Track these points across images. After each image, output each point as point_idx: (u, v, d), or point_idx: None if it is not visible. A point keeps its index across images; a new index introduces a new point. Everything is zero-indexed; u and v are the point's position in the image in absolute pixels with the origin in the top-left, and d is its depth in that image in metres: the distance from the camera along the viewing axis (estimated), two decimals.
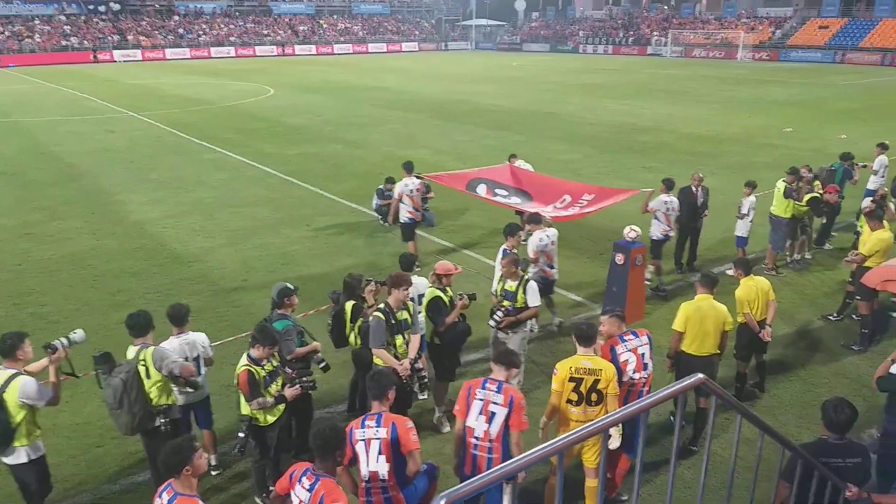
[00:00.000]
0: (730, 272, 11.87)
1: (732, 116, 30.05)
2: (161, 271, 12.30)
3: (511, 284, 7.72)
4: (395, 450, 4.91)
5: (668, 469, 4.17)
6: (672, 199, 11.45)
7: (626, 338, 6.35)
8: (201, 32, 77.20)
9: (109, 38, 71.04)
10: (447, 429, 7.47)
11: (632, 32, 78.65)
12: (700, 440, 7.12)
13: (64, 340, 5.75)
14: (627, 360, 6.24)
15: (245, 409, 6.12)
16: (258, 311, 10.14)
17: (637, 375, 6.27)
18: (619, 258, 9.80)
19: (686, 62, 64.25)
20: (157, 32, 74.90)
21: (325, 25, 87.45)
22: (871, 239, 9.39)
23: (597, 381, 5.75)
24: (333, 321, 7.42)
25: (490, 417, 5.35)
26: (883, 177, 14.20)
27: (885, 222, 9.68)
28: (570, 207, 11.38)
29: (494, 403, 5.35)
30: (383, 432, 4.91)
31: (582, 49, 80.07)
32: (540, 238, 9.52)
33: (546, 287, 9.52)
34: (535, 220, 9.78)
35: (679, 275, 11.98)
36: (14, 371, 5.57)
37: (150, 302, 10.74)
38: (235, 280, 11.91)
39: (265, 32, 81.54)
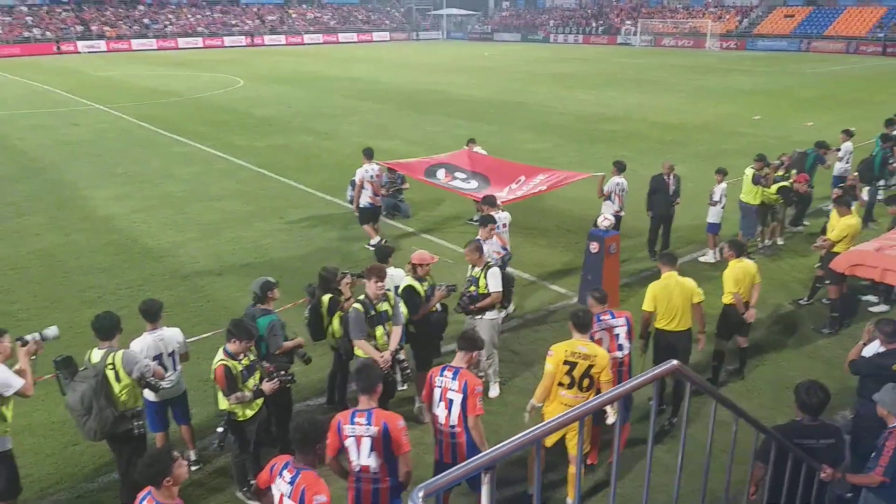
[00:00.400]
0: (702, 259, 12.14)
1: (701, 105, 30.39)
2: (132, 266, 12.10)
3: (476, 270, 7.74)
4: (386, 447, 4.89)
5: (645, 452, 4.25)
6: (623, 181, 11.83)
7: (602, 317, 6.50)
8: (168, 23, 75.76)
9: (73, 28, 69.35)
10: (427, 419, 7.49)
11: (601, 22, 79.02)
12: (678, 417, 7.23)
13: (36, 335, 5.76)
14: (601, 339, 6.39)
15: (223, 403, 6.06)
16: (233, 306, 10.06)
17: (617, 354, 6.43)
18: (594, 246, 9.87)
19: (655, 51, 64.77)
20: (121, 23, 73.24)
21: (294, 15, 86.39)
22: (839, 224, 9.58)
23: (590, 367, 5.85)
24: (310, 314, 7.38)
25: (449, 404, 5.46)
26: (847, 163, 14.49)
27: (852, 209, 9.89)
28: (523, 187, 11.77)
29: (451, 391, 5.45)
30: (374, 430, 4.86)
31: (553, 38, 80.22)
32: None
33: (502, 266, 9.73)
34: (490, 202, 9.91)
35: (653, 262, 12.10)
36: None
37: (122, 298, 10.58)
38: (209, 274, 11.77)
39: (233, 22, 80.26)
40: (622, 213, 11.90)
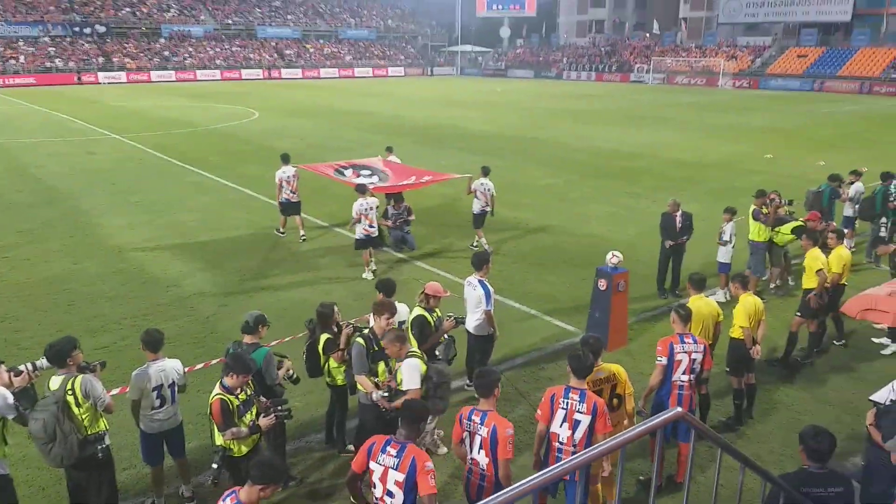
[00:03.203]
0: (713, 298, 11.93)
1: (714, 143, 30.39)
2: (138, 295, 12.10)
3: (394, 363, 6.53)
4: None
5: (647, 500, 4.14)
6: (486, 182, 14.32)
7: (685, 339, 6.73)
8: (187, 55, 77.23)
9: (94, 60, 70.85)
10: (443, 451, 7.50)
11: (614, 60, 79.72)
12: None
13: (30, 365, 5.82)
14: (681, 360, 6.65)
15: (219, 439, 5.97)
16: (236, 336, 9.96)
17: (685, 378, 6.67)
18: (602, 284, 9.78)
19: (668, 89, 65.14)
20: (142, 55, 74.79)
21: (311, 49, 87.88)
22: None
23: (615, 387, 6.11)
24: (308, 351, 7.33)
25: (574, 425, 5.60)
26: (857, 204, 14.30)
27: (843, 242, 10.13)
28: (415, 182, 15.42)
29: (579, 412, 5.58)
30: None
31: (566, 76, 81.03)
32: (360, 203, 12.70)
33: (368, 241, 12.89)
34: (361, 189, 13.04)
35: (663, 300, 11.96)
36: None
37: (125, 328, 10.58)
38: (213, 305, 11.73)
39: (251, 56, 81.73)
40: (488, 209, 14.34)
